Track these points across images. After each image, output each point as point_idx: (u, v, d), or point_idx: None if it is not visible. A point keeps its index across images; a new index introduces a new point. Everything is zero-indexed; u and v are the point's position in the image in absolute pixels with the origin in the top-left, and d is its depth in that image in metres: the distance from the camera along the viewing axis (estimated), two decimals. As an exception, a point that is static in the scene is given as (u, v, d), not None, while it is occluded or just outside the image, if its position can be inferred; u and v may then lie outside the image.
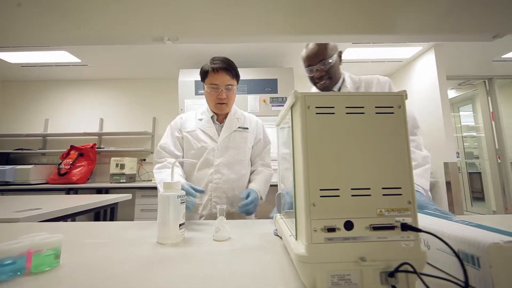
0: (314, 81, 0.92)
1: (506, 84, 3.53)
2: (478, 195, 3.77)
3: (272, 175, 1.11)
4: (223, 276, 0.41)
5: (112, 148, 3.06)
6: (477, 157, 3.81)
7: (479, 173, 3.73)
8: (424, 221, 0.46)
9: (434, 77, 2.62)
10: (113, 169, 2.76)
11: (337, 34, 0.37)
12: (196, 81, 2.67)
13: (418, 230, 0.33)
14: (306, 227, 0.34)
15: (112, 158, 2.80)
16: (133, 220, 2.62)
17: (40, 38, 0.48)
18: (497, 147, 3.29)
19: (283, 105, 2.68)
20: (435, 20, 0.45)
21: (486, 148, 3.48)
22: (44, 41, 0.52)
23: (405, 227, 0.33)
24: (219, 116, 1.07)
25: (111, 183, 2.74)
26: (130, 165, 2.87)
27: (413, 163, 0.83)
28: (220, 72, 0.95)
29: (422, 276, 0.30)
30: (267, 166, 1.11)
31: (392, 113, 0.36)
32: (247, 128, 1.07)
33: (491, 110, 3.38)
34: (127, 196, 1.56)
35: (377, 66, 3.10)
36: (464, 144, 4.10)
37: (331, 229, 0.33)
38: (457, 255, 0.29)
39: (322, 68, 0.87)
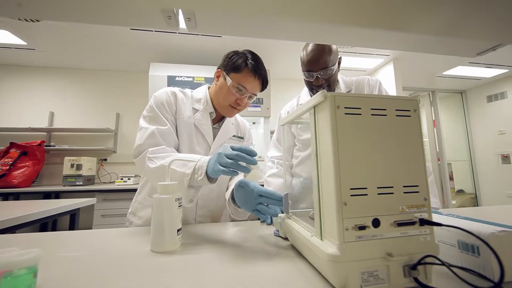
0: (311, 86, 0.90)
1: (445, 96, 4.16)
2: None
3: None
4: (242, 282, 0.39)
5: (66, 146, 2.69)
6: (422, 159, 4.39)
7: (424, 172, 4.30)
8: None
9: (392, 87, 2.95)
10: (67, 170, 2.43)
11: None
12: (169, 76, 2.51)
13: (437, 224, 0.36)
14: (338, 226, 0.34)
15: (66, 158, 2.46)
16: (91, 228, 2.34)
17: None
18: (437, 150, 3.84)
19: (259, 106, 2.72)
20: (430, 35, 0.50)
21: (429, 151, 4.03)
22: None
23: (423, 222, 0.36)
24: (217, 115, 0.88)
25: (64, 186, 2.41)
26: (88, 166, 2.55)
27: None
28: (257, 79, 0.79)
29: (443, 266, 0.32)
30: None
31: (409, 116, 0.39)
32: (242, 138, 0.94)
33: (433, 119, 3.94)
34: (91, 201, 1.38)
35: (344, 74, 3.34)
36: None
37: (362, 227, 0.34)
38: (491, 248, 0.32)
39: (324, 76, 0.85)
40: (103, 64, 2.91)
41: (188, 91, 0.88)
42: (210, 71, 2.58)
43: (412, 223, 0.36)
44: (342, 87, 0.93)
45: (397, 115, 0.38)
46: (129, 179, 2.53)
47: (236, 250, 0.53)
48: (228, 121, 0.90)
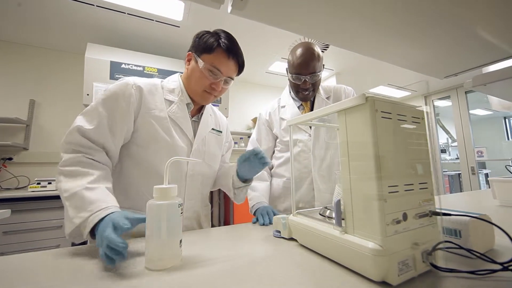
0: (298, 89, 0.93)
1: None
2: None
3: None
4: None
5: None
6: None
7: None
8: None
9: (335, 98, 3.37)
10: None
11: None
12: (112, 62, 2.15)
13: (447, 214, 0.42)
14: (380, 222, 0.36)
15: None
16: (-13, 249, 1.74)
17: None
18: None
19: (217, 105, 2.63)
20: (413, 56, 0.59)
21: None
22: None
23: (433, 213, 0.42)
24: (195, 106, 0.80)
25: None
26: (-17, 167, 1.91)
27: None
28: (232, 60, 0.73)
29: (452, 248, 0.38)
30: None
31: (419, 123, 0.45)
32: (221, 132, 0.88)
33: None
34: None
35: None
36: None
37: (398, 221, 0.37)
38: (507, 234, 0.40)
39: (311, 80, 0.90)
40: (16, 36, 2.24)
41: (157, 80, 0.77)
42: (164, 62, 2.34)
43: (426, 215, 0.42)
44: (322, 93, 1.00)
45: (412, 121, 0.44)
46: (49, 183, 2.02)
47: (244, 258, 0.49)
48: (206, 112, 0.84)
